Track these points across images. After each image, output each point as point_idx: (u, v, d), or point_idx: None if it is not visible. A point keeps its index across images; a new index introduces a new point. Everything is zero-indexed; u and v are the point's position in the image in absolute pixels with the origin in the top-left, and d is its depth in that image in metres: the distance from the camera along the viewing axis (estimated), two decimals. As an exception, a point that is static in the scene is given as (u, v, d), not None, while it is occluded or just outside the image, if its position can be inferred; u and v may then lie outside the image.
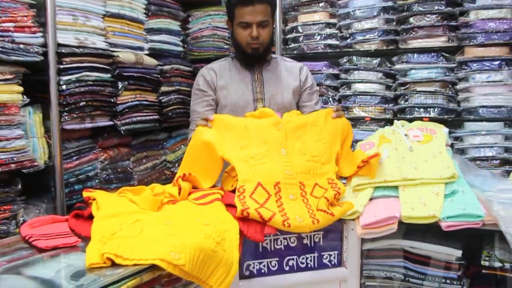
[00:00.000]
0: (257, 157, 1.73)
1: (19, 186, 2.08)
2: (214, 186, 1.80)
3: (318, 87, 3.26)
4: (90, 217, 1.47)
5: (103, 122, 2.52)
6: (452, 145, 2.60)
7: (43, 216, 1.76)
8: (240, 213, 1.49)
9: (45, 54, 2.14)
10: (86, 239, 1.34)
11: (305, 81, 2.36)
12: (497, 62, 2.74)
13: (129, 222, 1.38)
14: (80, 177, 2.41)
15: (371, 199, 1.62)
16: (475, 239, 1.63)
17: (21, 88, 2.04)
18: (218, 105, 2.31)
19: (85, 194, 1.62)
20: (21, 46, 2.03)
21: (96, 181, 2.51)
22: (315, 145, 1.78)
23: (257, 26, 2.16)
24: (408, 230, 1.62)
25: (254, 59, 2.26)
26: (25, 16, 2.05)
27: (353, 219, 1.59)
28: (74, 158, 2.39)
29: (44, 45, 2.14)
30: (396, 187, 1.62)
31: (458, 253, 1.56)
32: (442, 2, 2.83)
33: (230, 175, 1.80)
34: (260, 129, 1.81)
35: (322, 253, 1.65)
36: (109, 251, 1.20)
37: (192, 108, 2.34)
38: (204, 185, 1.78)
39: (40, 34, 2.12)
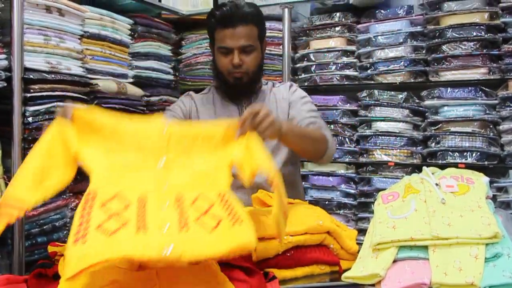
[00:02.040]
0: (124, 168, 1.54)
1: (-31, 238, 2.06)
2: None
3: (332, 126, 3.28)
4: (56, 277, 1.43)
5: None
6: (494, 198, 2.58)
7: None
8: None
9: (8, 80, 2.15)
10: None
11: (293, 94, 2.30)
12: (547, 99, 2.76)
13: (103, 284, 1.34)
14: (44, 227, 2.38)
15: (395, 261, 1.58)
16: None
17: (-22, 120, 2.05)
18: None
19: (51, 249, 1.58)
20: (-19, 70, 2.06)
21: (65, 232, 2.48)
22: (203, 164, 1.62)
23: (240, 52, 2.12)
24: (440, 300, 1.58)
25: (237, 90, 2.22)
26: (-14, 35, 2.09)
27: (373, 285, 1.55)
28: (39, 204, 2.36)
29: (8, 69, 2.15)
30: (425, 247, 1.58)
31: (502, 330, 1.51)
32: (482, 27, 2.87)
33: None
34: (137, 130, 1.62)
35: (337, 325, 1.62)
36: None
37: None
38: (31, 198, 1.41)
39: (4, 56, 2.14)
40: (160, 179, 1.53)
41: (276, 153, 2.22)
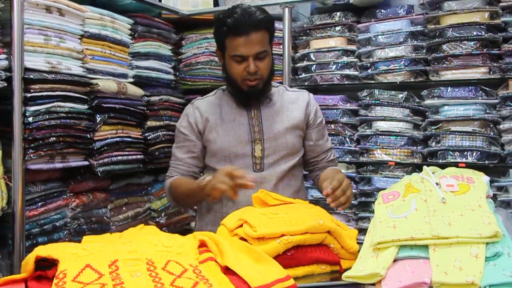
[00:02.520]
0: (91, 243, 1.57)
1: (-30, 238, 2.07)
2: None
3: (333, 125, 3.29)
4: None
5: (77, 162, 2.53)
6: (494, 197, 2.58)
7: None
8: None
9: (9, 80, 2.15)
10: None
11: (314, 116, 2.33)
12: (548, 98, 2.77)
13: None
14: (45, 227, 2.39)
15: (395, 261, 1.58)
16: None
17: (-22, 120, 2.06)
18: (207, 151, 2.30)
19: (41, 253, 1.55)
20: (-20, 70, 2.06)
21: (65, 232, 2.50)
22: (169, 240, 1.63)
23: (254, 58, 2.11)
24: (441, 299, 1.58)
25: (250, 96, 2.22)
26: (-14, 35, 2.09)
27: (374, 284, 1.55)
28: (39, 204, 2.38)
29: (8, 69, 2.16)
30: (425, 247, 1.58)
31: (502, 329, 1.52)
32: (482, 26, 2.88)
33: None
34: None
35: (338, 324, 1.62)
36: None
37: (173, 150, 2.35)
38: None
39: (4, 56, 2.14)
40: (128, 249, 1.54)
41: (286, 159, 2.25)
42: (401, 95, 3.10)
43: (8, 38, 2.17)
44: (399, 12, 3.14)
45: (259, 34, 2.09)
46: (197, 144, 2.28)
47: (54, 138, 2.36)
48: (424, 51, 3.07)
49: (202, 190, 2.00)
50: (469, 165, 2.74)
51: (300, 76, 3.40)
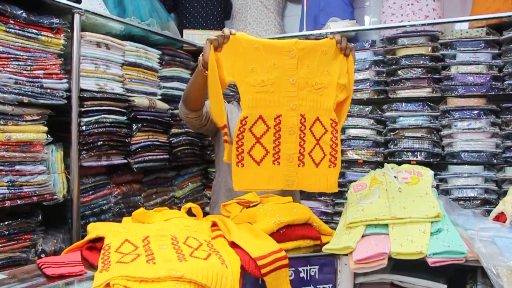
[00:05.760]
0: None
1: (40, 218, 2.09)
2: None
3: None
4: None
5: (118, 160, 2.54)
6: (437, 186, 2.60)
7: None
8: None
9: (68, 98, 2.18)
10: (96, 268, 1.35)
11: None
12: (476, 112, 2.78)
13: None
14: (95, 210, 2.41)
15: (363, 236, 1.61)
16: (459, 274, 1.62)
17: (46, 128, 2.08)
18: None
19: (92, 235, 1.55)
20: (48, 90, 2.08)
21: (109, 214, 2.52)
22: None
23: None
24: (397, 265, 1.61)
25: None
26: (54, 64, 2.11)
27: (346, 255, 1.58)
28: (90, 192, 2.40)
29: (68, 90, 2.19)
30: (386, 225, 1.61)
31: (443, 287, 1.55)
32: (427, 57, 2.90)
33: (224, 207, 1.81)
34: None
35: (318, 286, 1.63)
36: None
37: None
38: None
39: (66, 80, 2.17)
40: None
41: None
42: (367, 109, 3.08)
43: (69, 66, 2.21)
44: (365, 45, 3.13)
45: None
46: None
47: (101, 142, 2.38)
48: (384, 75, 3.08)
49: (199, 70, 1.86)
50: (418, 162, 2.74)
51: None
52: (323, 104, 1.64)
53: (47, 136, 2.08)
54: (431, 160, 2.88)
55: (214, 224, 1.67)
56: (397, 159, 2.95)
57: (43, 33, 2.07)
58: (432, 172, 1.93)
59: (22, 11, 1.98)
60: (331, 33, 1.77)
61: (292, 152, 1.59)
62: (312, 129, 1.63)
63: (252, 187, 1.68)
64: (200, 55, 1.77)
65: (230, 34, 1.61)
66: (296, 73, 1.61)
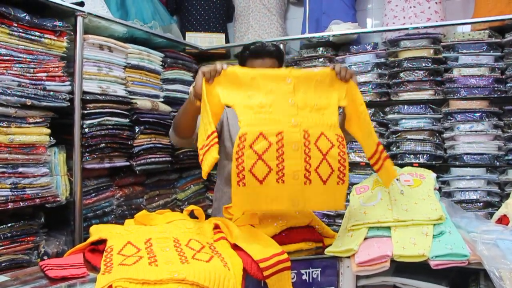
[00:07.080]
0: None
1: (42, 220, 2.09)
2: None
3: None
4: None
5: (120, 162, 2.54)
6: (439, 189, 2.60)
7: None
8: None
9: (71, 100, 2.19)
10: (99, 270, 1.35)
11: None
12: (478, 114, 2.77)
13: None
14: (97, 212, 2.41)
15: (365, 239, 1.61)
16: (461, 277, 1.61)
17: (48, 131, 2.08)
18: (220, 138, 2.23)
19: (95, 237, 1.55)
20: (51, 93, 2.09)
21: (112, 216, 2.52)
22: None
23: None
24: (400, 267, 1.61)
25: None
26: (57, 67, 2.12)
27: (349, 257, 1.58)
28: (93, 194, 2.40)
29: (71, 92, 2.19)
30: (388, 228, 1.61)
31: (446, 290, 1.55)
32: (429, 60, 2.89)
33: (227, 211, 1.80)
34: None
35: (320, 289, 1.64)
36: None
37: None
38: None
39: (68, 82, 2.17)
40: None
41: None
42: (369, 111, 3.08)
43: (72, 69, 2.21)
44: (367, 48, 3.13)
45: (271, 60, 2.12)
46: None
47: (104, 144, 2.38)
48: (386, 77, 3.07)
49: (191, 100, 1.81)
50: (421, 165, 2.73)
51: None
52: (327, 121, 1.58)
53: (50, 138, 2.08)
54: (434, 162, 2.87)
55: (216, 227, 1.67)
56: (400, 162, 2.94)
57: (46, 35, 2.07)
58: (435, 175, 1.93)
59: (25, 14, 1.99)
60: (330, 64, 1.74)
61: (298, 169, 1.49)
62: (317, 143, 1.54)
63: (254, 208, 1.62)
64: (191, 86, 1.77)
65: (222, 69, 1.60)
66: (294, 96, 1.57)
